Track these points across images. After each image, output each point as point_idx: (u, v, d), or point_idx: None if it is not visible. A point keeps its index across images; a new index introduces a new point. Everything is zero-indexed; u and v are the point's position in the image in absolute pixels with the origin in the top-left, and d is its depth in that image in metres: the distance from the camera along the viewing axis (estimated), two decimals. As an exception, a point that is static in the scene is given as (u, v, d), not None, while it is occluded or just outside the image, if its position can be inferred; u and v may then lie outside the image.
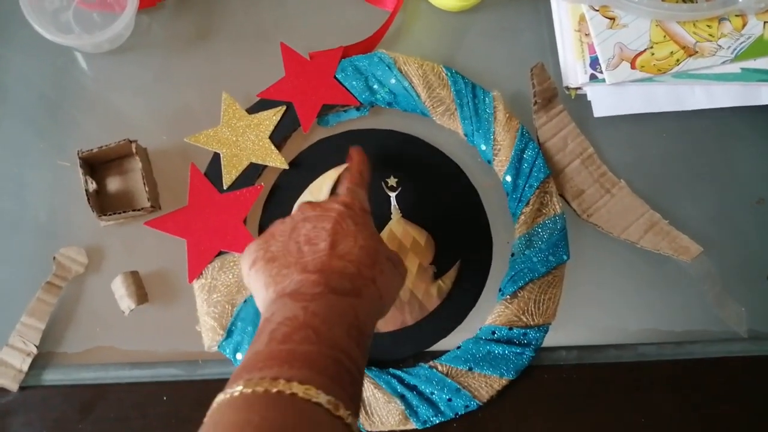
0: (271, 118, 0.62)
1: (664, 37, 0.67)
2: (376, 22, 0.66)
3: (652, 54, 0.66)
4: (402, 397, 0.56)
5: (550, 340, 0.60)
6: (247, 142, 0.61)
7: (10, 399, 0.56)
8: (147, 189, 0.58)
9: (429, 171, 0.64)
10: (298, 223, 0.47)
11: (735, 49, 0.67)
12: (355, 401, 0.39)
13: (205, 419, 0.36)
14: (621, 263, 0.64)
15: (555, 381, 0.61)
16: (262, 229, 0.61)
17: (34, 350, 0.56)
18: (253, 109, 0.62)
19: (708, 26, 0.67)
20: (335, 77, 0.63)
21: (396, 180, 0.63)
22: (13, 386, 0.55)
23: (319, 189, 0.61)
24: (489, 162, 0.63)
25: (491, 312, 0.60)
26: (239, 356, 0.56)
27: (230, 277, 0.58)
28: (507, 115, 0.62)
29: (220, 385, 0.42)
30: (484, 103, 0.63)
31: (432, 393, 0.57)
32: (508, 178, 0.61)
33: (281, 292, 0.43)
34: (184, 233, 0.58)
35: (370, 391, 0.56)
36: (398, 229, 0.62)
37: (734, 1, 0.66)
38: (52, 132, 0.62)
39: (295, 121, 0.62)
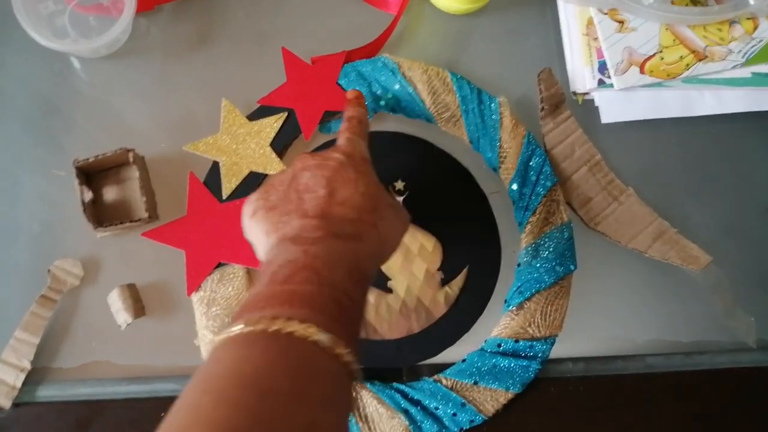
0: (272, 125, 0.61)
1: (674, 41, 0.65)
2: (380, 25, 0.64)
3: (662, 58, 0.65)
4: (406, 412, 0.55)
5: (556, 351, 0.59)
6: (248, 150, 0.60)
7: (3, 416, 0.55)
8: (144, 199, 0.56)
9: (437, 175, 0.63)
10: (297, 173, 0.47)
11: (746, 53, 0.65)
12: (355, 341, 0.39)
13: (207, 356, 0.37)
14: (627, 273, 0.63)
15: (561, 394, 0.60)
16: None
17: (28, 366, 0.54)
18: (253, 116, 0.61)
19: (719, 30, 0.66)
20: (338, 83, 0.62)
21: (404, 184, 0.62)
22: (6, 403, 0.54)
23: None
24: (495, 169, 0.62)
25: (497, 323, 0.59)
26: None
27: (230, 289, 0.57)
28: (513, 122, 0.61)
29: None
30: (489, 109, 0.62)
31: (436, 408, 0.56)
32: (515, 186, 0.60)
33: (282, 237, 0.43)
34: (183, 244, 0.57)
35: (373, 406, 0.55)
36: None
37: (746, 4, 0.65)
38: (47, 139, 0.61)
39: (296, 128, 0.61)
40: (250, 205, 0.47)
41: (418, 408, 0.55)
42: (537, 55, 0.67)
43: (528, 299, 0.58)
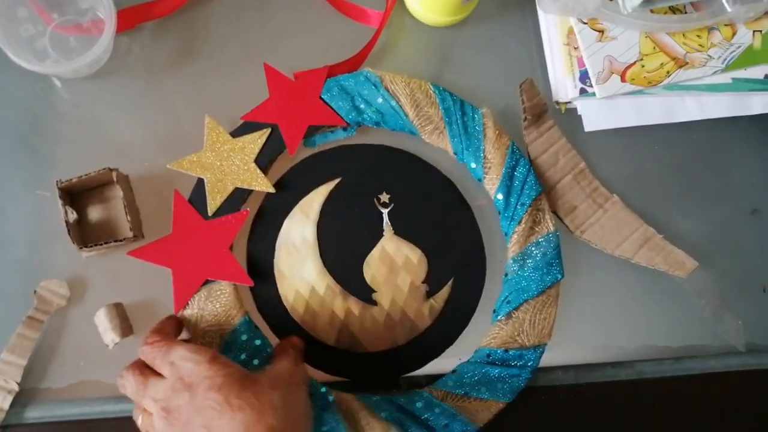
0: (255, 141, 0.60)
1: (654, 48, 0.66)
2: (361, 39, 0.65)
3: (642, 66, 0.65)
4: (398, 424, 0.55)
5: (545, 360, 0.59)
6: (232, 166, 0.59)
7: (-8, 439, 0.55)
8: (129, 218, 0.56)
9: (422, 187, 0.63)
10: (196, 411, 0.45)
11: (725, 59, 0.66)
12: None
13: None
14: (615, 280, 0.63)
15: (552, 402, 0.60)
16: (250, 255, 0.60)
17: (16, 387, 0.54)
18: (237, 132, 0.61)
19: (698, 36, 0.66)
20: (321, 97, 0.62)
21: (388, 196, 0.62)
22: (-5, 426, 0.54)
23: (309, 206, 0.61)
24: (480, 180, 0.62)
25: (486, 334, 0.59)
26: None
27: (217, 306, 0.56)
28: (497, 132, 0.61)
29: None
30: (473, 121, 0.62)
31: (428, 419, 0.55)
32: (500, 197, 0.60)
33: None
34: (169, 262, 0.56)
35: (365, 419, 0.55)
36: (390, 246, 0.61)
37: (723, 11, 0.65)
38: (30, 161, 0.61)
39: (280, 143, 0.61)
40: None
41: (411, 420, 0.55)
42: (519, 65, 0.67)
43: (516, 309, 0.58)
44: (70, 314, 0.57)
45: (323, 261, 0.60)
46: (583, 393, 0.60)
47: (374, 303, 0.59)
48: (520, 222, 0.59)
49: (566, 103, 0.66)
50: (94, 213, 0.59)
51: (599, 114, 0.65)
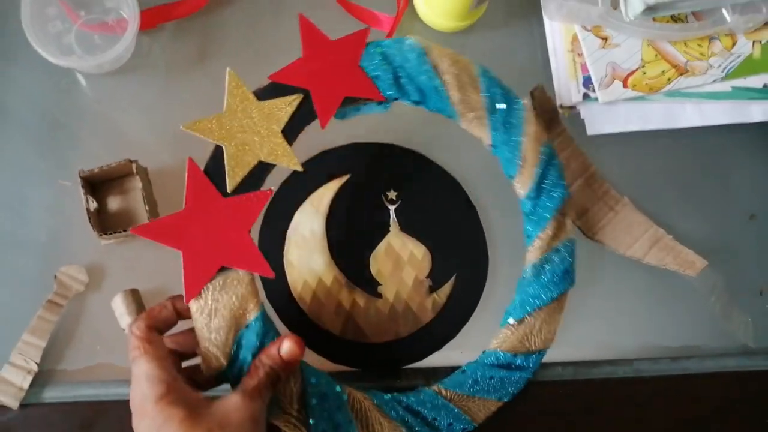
0: (285, 107, 0.52)
1: (656, 56, 0.68)
2: (373, 42, 0.67)
3: (644, 73, 0.67)
4: (406, 423, 0.55)
5: (547, 356, 0.60)
6: (256, 135, 0.51)
7: (11, 416, 0.56)
8: (147, 208, 0.59)
9: (428, 186, 0.65)
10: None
11: (725, 68, 0.68)
12: None
13: None
14: (615, 280, 0.65)
15: (551, 397, 0.62)
16: (261, 244, 0.61)
17: (35, 368, 0.56)
18: (263, 94, 0.53)
19: (699, 45, 0.68)
20: (360, 65, 0.55)
21: (396, 194, 0.64)
22: (14, 404, 0.56)
23: (319, 200, 0.63)
24: (510, 177, 0.58)
25: (487, 331, 0.59)
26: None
27: (233, 299, 0.49)
28: (536, 128, 0.58)
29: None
30: (515, 113, 0.58)
31: (434, 419, 0.56)
32: (529, 198, 0.58)
33: None
34: (180, 244, 0.49)
35: (376, 419, 0.55)
36: (396, 242, 0.63)
37: (724, 21, 0.67)
38: (53, 152, 0.63)
39: (309, 112, 0.53)
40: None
41: (418, 419, 0.56)
42: (525, 71, 0.69)
43: (529, 314, 0.58)
44: (88, 299, 0.60)
45: (331, 254, 0.62)
46: (581, 388, 0.62)
47: (379, 296, 0.61)
48: (545, 228, 0.57)
49: (570, 107, 0.67)
50: (114, 203, 0.61)
51: (602, 118, 0.67)
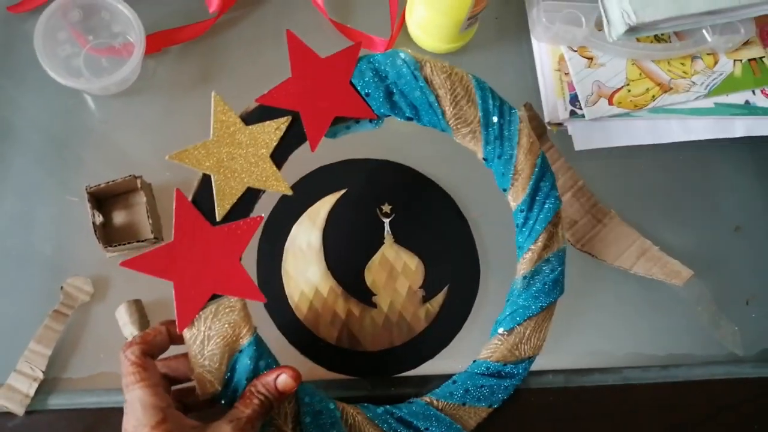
0: (273, 131, 0.51)
1: (640, 74, 0.70)
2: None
3: (629, 91, 0.69)
4: None
5: (537, 364, 0.60)
6: (244, 162, 0.50)
7: (17, 423, 0.58)
8: (151, 221, 0.61)
9: (421, 200, 0.67)
10: None
11: (708, 85, 0.70)
12: None
13: None
14: (605, 290, 0.66)
15: (542, 404, 0.63)
16: (260, 256, 0.63)
17: (41, 375, 0.58)
18: (251, 118, 0.51)
19: (682, 64, 0.71)
20: (351, 82, 0.53)
21: (390, 207, 0.66)
22: (20, 410, 0.57)
23: (316, 213, 0.65)
24: (504, 190, 0.58)
25: (478, 340, 0.60)
26: None
27: (226, 326, 0.49)
28: (531, 140, 0.57)
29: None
30: (509, 125, 0.56)
31: (426, 428, 0.56)
32: (522, 211, 0.58)
33: None
34: (170, 274, 0.48)
35: (367, 431, 0.56)
36: (390, 253, 0.65)
37: (704, 41, 0.70)
38: (61, 169, 0.66)
39: (299, 135, 0.51)
40: None
41: (410, 430, 0.56)
42: (514, 89, 0.71)
43: (519, 324, 0.58)
44: (93, 309, 0.61)
45: (327, 265, 0.64)
46: (571, 396, 0.63)
47: (374, 305, 0.63)
48: (536, 240, 0.57)
49: (558, 124, 0.70)
50: (119, 217, 0.63)
51: (589, 134, 0.69)
